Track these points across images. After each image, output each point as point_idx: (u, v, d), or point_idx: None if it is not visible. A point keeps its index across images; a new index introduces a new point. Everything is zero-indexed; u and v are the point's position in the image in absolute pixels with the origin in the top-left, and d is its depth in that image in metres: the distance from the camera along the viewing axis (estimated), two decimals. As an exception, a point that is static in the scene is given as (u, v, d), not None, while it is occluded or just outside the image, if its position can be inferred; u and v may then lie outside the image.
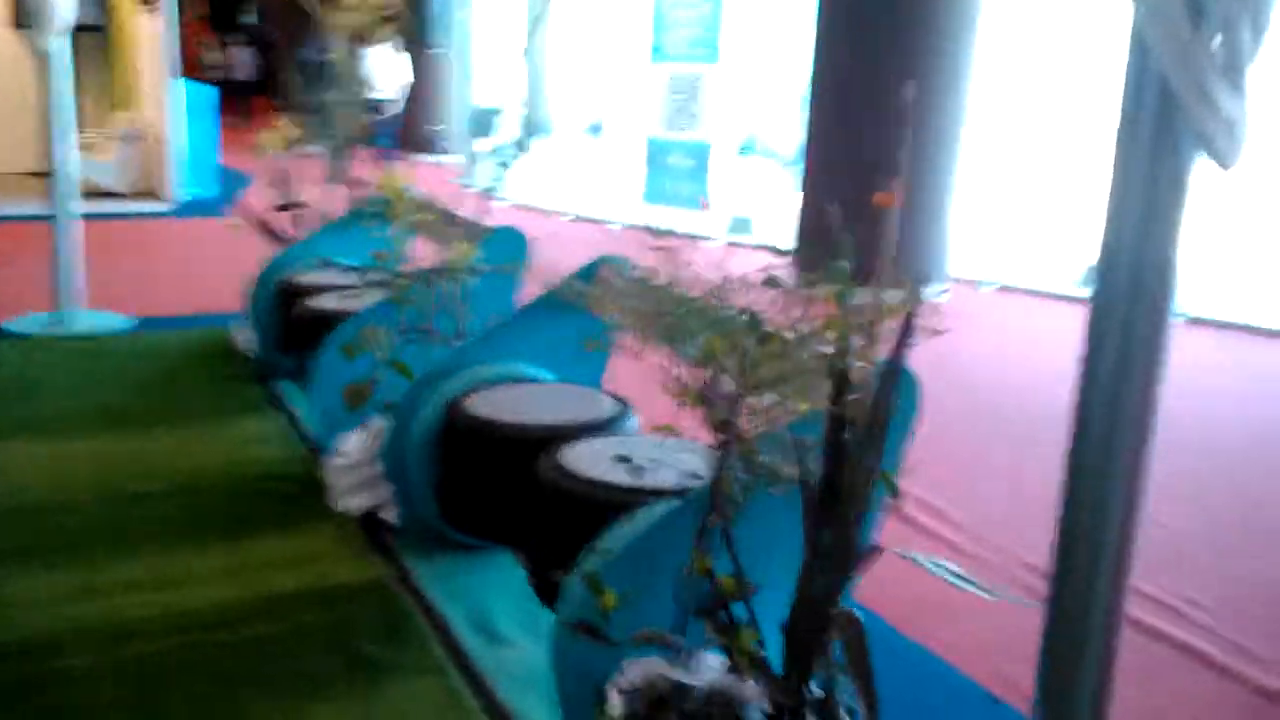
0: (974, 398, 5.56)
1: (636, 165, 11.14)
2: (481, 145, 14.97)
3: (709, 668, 2.03)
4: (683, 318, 1.97)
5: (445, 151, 17.38)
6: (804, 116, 8.48)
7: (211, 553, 3.45)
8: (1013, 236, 9.41)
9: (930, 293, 7.66)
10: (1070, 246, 8.85)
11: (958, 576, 1.53)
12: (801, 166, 8.27)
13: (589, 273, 3.69)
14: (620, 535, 2.37)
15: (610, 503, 2.57)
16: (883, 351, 1.89)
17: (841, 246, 2.02)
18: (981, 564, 3.59)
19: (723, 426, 2.06)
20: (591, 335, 3.75)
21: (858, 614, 1.59)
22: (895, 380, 1.86)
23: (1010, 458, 4.71)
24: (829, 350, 1.98)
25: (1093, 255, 1.68)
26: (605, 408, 3.22)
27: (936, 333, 1.87)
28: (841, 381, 1.98)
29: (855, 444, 2.00)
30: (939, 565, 1.56)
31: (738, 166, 10.53)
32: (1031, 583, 3.35)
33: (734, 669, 1.93)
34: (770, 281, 1.95)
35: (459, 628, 3.04)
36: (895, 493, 1.94)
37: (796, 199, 8.37)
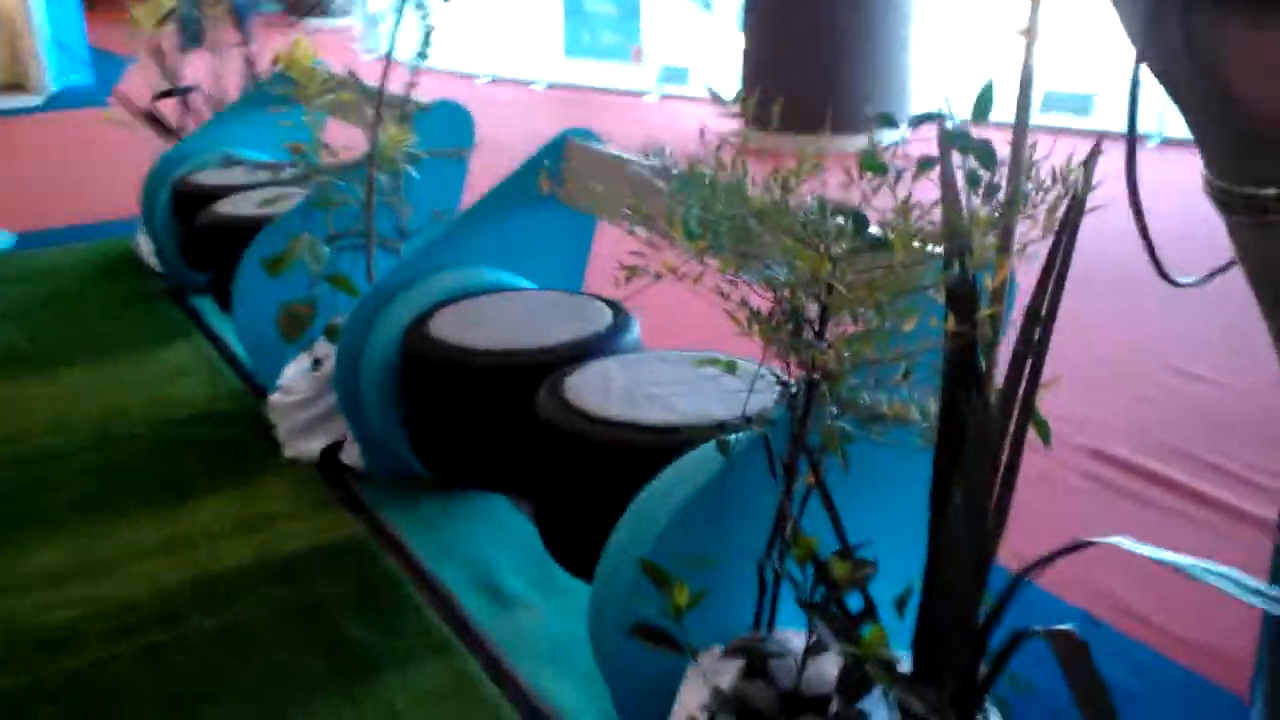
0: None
1: (553, 15, 10.28)
2: (377, 3, 13.88)
3: (820, 675, 1.60)
4: (753, 222, 1.46)
5: (337, 13, 16.11)
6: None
7: (144, 523, 2.91)
8: (970, 68, 8.88)
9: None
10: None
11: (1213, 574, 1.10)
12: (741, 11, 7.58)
13: (555, 151, 3.13)
14: (666, 494, 1.91)
15: (638, 446, 2.10)
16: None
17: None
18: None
19: (807, 358, 1.58)
20: (566, 228, 3.24)
21: (1075, 633, 1.17)
22: (1058, 287, 1.38)
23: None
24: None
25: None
26: (601, 319, 2.70)
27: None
28: (966, 292, 1.50)
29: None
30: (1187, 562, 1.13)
31: (665, 11, 9.72)
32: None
33: (855, 676, 1.50)
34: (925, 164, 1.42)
35: (459, 592, 2.58)
36: (1046, 437, 1.48)
37: (737, 42, 7.72)
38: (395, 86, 3.41)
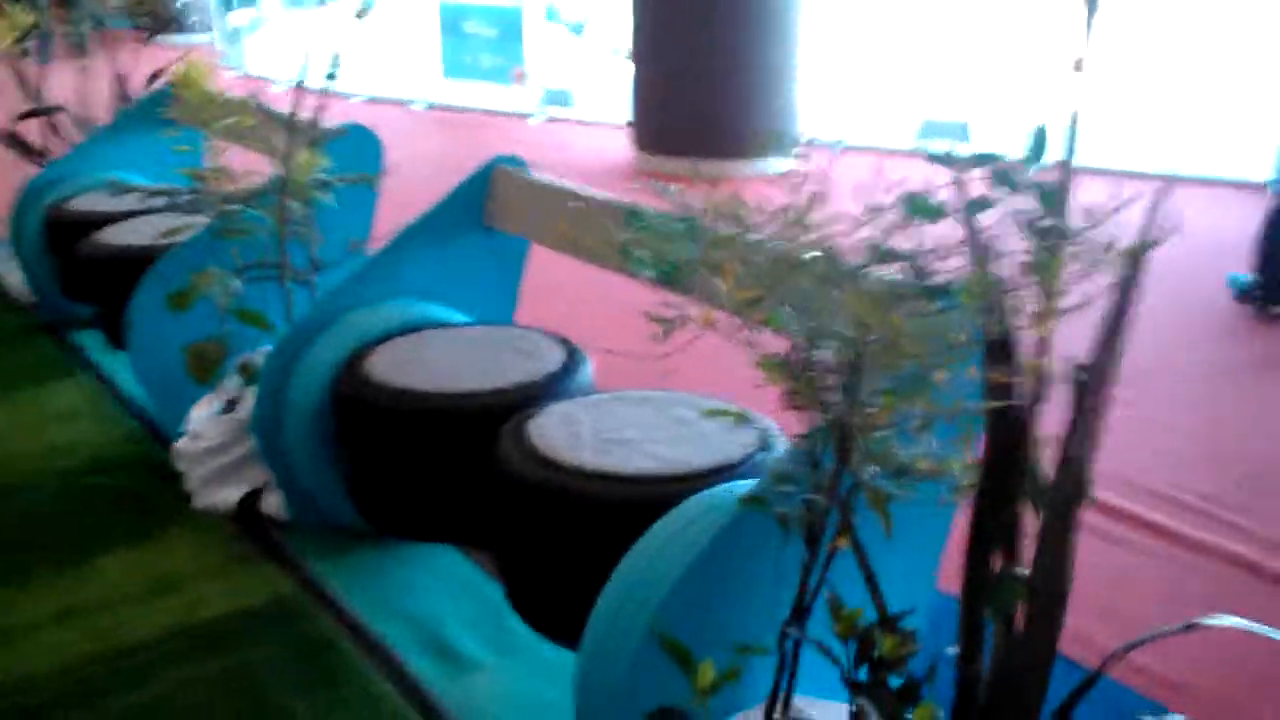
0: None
1: (430, 35, 10.02)
2: (237, 19, 13.38)
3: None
4: (802, 276, 1.35)
5: (195, 30, 15.43)
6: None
7: (39, 587, 2.63)
8: (852, 95, 9.02)
9: (786, 159, 7.19)
10: (906, 103, 8.54)
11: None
12: (631, 49, 7.51)
13: (483, 179, 2.98)
14: (660, 553, 1.78)
15: (621, 499, 1.96)
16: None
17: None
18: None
19: (833, 416, 1.48)
20: (496, 256, 3.09)
21: None
22: (1119, 335, 1.32)
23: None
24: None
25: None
26: (553, 357, 2.56)
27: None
28: (1004, 343, 1.43)
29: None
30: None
31: (548, 34, 9.59)
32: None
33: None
34: (976, 206, 1.33)
35: (406, 653, 2.38)
36: (1085, 493, 1.41)
37: (620, 66, 7.65)
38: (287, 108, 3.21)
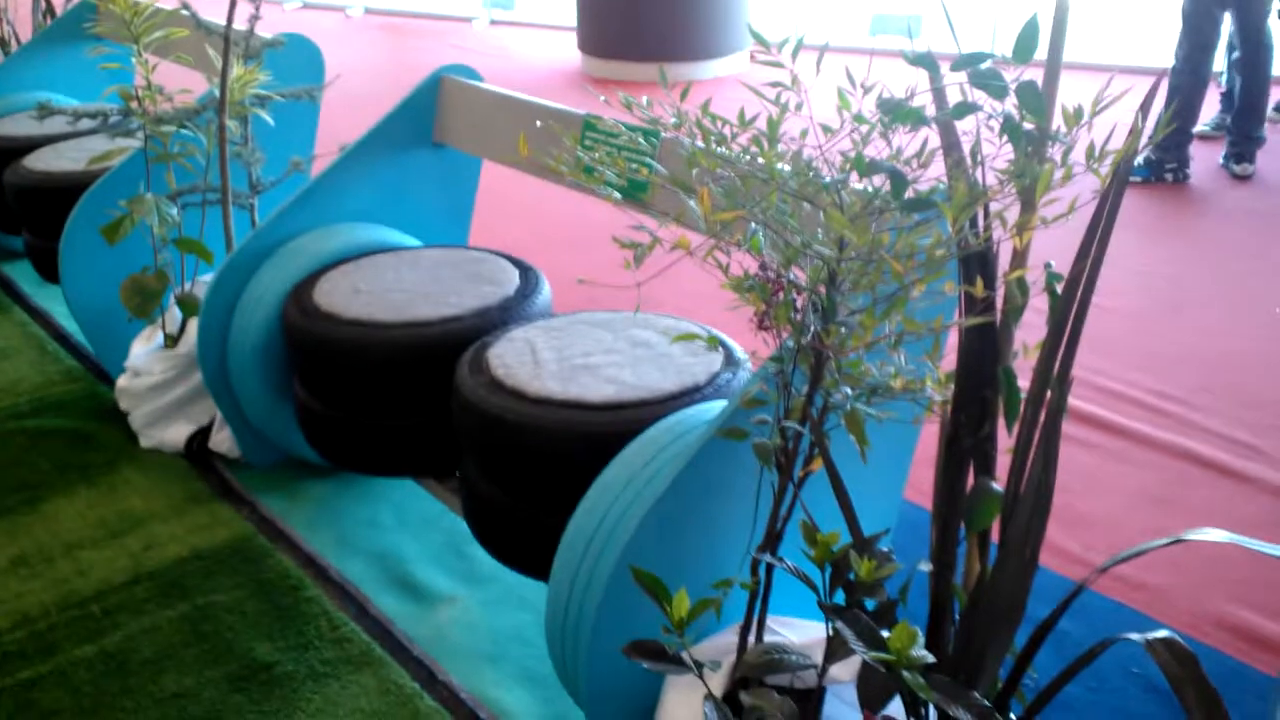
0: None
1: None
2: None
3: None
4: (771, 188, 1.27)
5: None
6: None
7: (-14, 536, 2.55)
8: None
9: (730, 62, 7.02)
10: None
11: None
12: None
13: (430, 91, 2.85)
14: (629, 482, 1.73)
15: (586, 427, 1.90)
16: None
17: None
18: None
19: (807, 337, 1.41)
20: (448, 174, 2.97)
21: (1180, 642, 1.06)
22: (1103, 245, 1.26)
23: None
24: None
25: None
26: (509, 280, 2.47)
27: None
28: (983, 255, 1.37)
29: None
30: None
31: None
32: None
33: (877, 682, 1.38)
34: (961, 109, 1.25)
35: (371, 590, 2.34)
36: (1062, 400, 1.37)
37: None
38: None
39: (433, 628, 2.23)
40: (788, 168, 1.28)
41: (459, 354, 2.17)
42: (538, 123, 2.03)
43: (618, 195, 1.43)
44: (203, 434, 2.82)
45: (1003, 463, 1.44)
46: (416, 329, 2.27)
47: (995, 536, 1.45)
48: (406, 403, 2.29)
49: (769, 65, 1.27)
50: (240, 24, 2.93)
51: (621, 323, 2.23)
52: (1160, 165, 4.73)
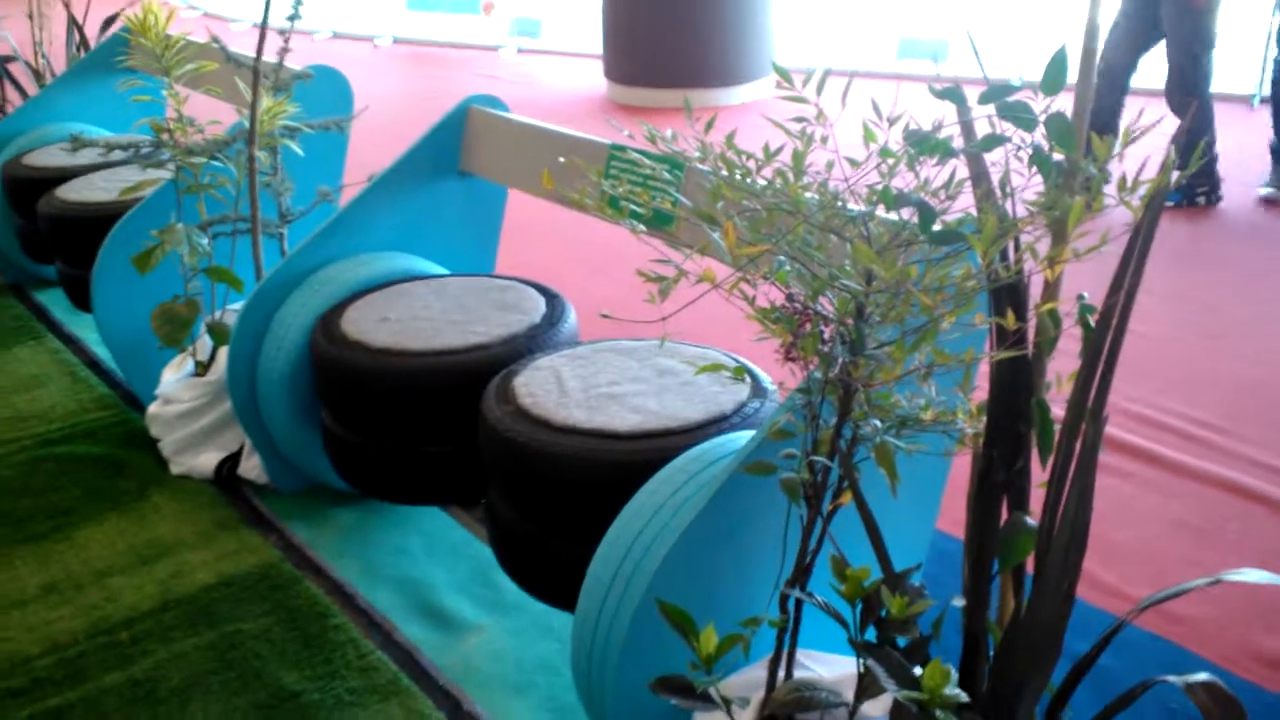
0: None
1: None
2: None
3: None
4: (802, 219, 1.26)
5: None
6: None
7: (20, 561, 2.56)
8: (829, 17, 8.83)
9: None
10: (883, 20, 8.37)
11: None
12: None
13: (457, 121, 2.87)
14: (656, 512, 1.72)
15: (612, 457, 1.90)
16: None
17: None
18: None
19: (836, 369, 1.40)
20: (475, 203, 2.98)
21: (1223, 686, 1.04)
22: (1137, 279, 1.24)
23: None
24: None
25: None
26: (535, 308, 2.47)
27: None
28: (1014, 287, 1.36)
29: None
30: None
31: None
32: None
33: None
34: (990, 141, 1.24)
35: (397, 618, 2.34)
36: (1097, 435, 1.35)
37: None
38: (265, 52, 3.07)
39: (459, 657, 2.22)
40: (814, 197, 1.28)
41: (485, 382, 2.17)
42: (561, 159, 2.04)
43: (642, 227, 1.43)
44: (232, 460, 2.83)
45: (1036, 496, 1.43)
46: (443, 357, 2.28)
47: (1030, 569, 1.43)
48: (433, 431, 2.30)
49: (794, 101, 1.27)
50: (270, 57, 2.97)
51: (648, 351, 2.23)
52: (1191, 189, 4.69)
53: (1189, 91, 4.58)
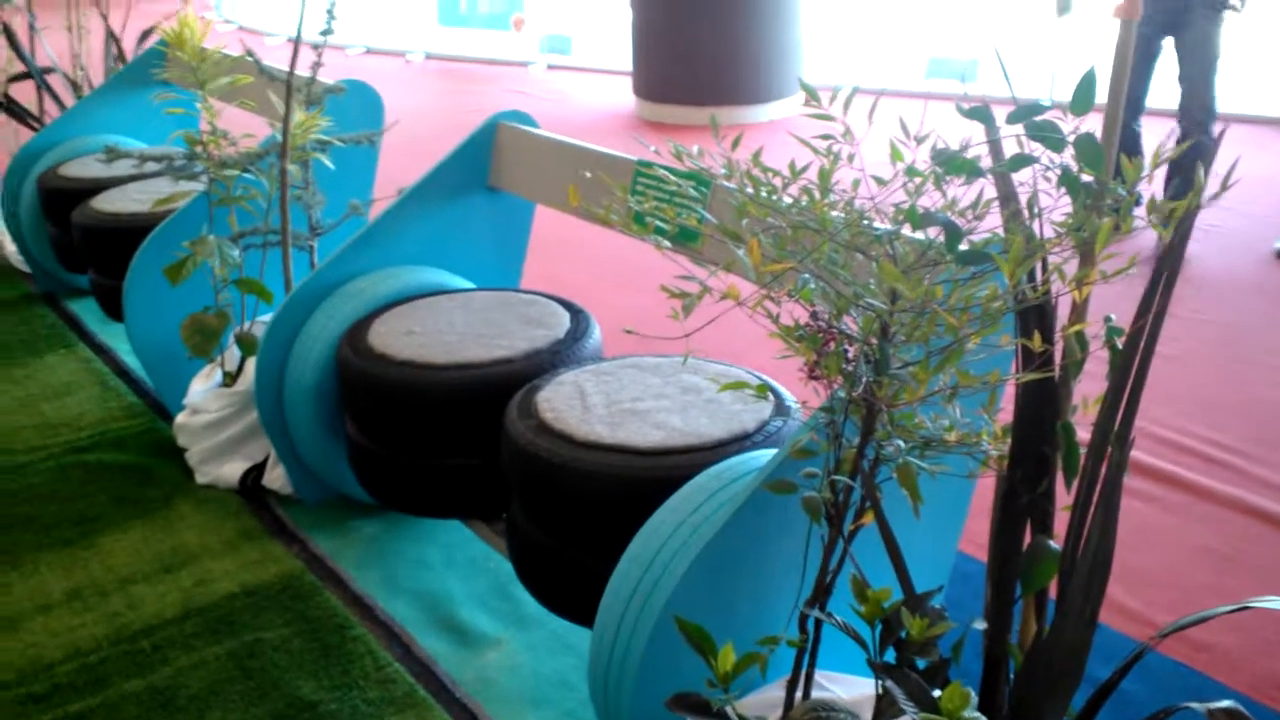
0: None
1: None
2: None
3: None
4: (828, 237, 1.26)
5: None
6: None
7: (45, 566, 2.58)
8: (858, 36, 8.84)
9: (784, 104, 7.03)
10: (912, 40, 8.37)
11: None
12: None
13: (486, 136, 2.88)
14: (675, 530, 1.72)
15: (634, 474, 1.90)
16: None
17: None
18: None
19: (859, 388, 1.40)
20: (502, 218, 3.00)
21: (1244, 713, 1.03)
22: (1165, 301, 1.23)
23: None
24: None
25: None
26: (559, 323, 2.48)
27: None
28: (1040, 309, 1.36)
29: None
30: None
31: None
32: None
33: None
34: (1018, 162, 1.24)
35: (416, 631, 2.34)
36: (1123, 459, 1.34)
37: (620, 7, 7.47)
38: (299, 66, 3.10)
39: (477, 670, 2.22)
40: (840, 215, 1.28)
41: (509, 396, 2.18)
42: (587, 174, 2.05)
43: (667, 244, 1.43)
44: (257, 471, 2.85)
45: (1061, 519, 1.41)
46: (467, 371, 2.28)
47: (1053, 593, 1.42)
48: (456, 444, 2.30)
49: (820, 119, 1.27)
50: (302, 71, 3.00)
51: (671, 368, 2.23)
52: None
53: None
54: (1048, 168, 1.26)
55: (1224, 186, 1.15)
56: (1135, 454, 2.92)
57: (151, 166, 3.55)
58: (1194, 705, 1.12)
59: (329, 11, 3.09)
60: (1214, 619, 1.28)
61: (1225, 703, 1.09)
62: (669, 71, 7.06)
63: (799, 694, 1.57)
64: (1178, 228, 1.21)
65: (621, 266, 4.34)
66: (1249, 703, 1.96)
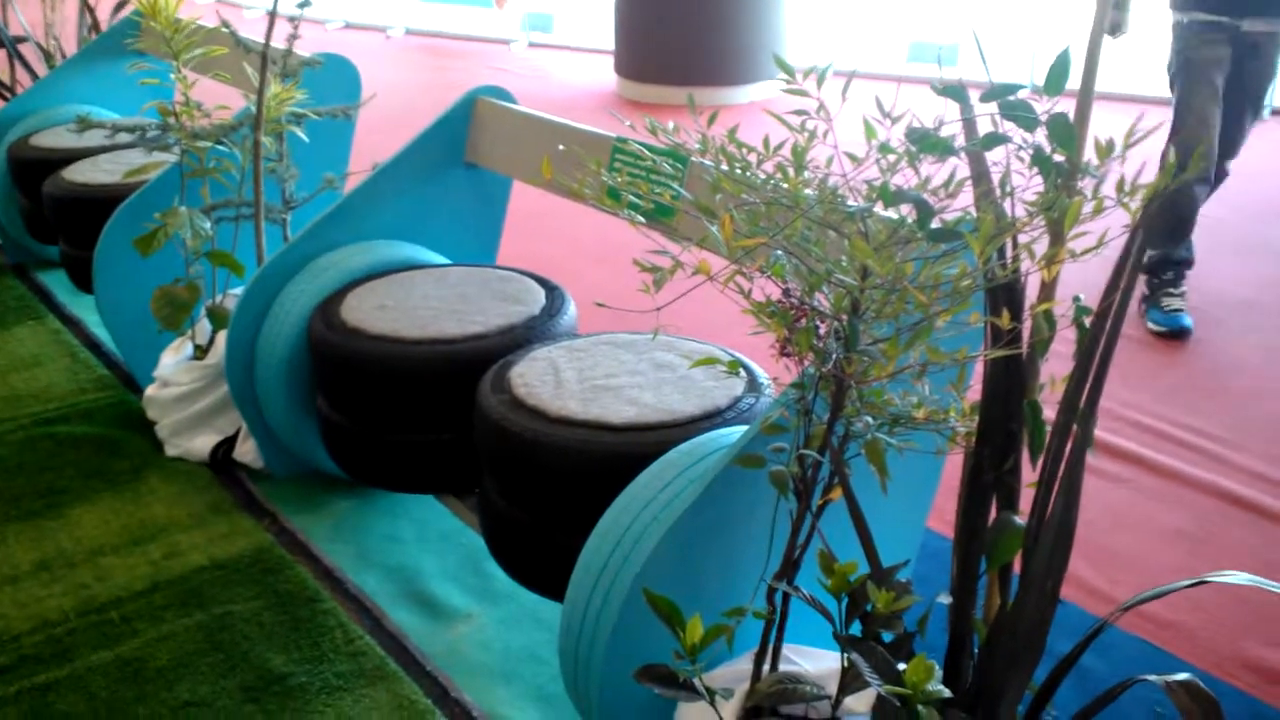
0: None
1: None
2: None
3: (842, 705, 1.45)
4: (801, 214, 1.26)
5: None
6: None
7: (14, 540, 2.56)
8: (841, 20, 8.83)
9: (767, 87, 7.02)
10: (894, 24, 8.37)
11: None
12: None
13: (464, 111, 2.87)
14: (646, 505, 1.72)
15: (605, 449, 1.90)
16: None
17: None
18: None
19: (829, 365, 1.40)
20: (478, 194, 2.98)
21: (1201, 685, 1.04)
22: (1131, 280, 1.24)
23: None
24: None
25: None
26: (534, 299, 2.48)
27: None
28: (1010, 286, 1.36)
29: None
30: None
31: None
32: None
33: (892, 714, 1.35)
34: (991, 140, 1.25)
35: (387, 604, 2.34)
36: (1087, 435, 1.35)
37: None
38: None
39: (447, 644, 2.22)
40: (813, 193, 1.28)
41: (482, 372, 2.17)
42: (560, 147, 2.04)
43: (641, 219, 1.43)
44: (227, 444, 2.84)
45: (1026, 496, 1.43)
46: (441, 346, 2.28)
47: (1018, 569, 1.43)
48: (428, 419, 2.30)
49: (795, 94, 1.27)
50: (279, 43, 2.97)
51: (645, 345, 2.23)
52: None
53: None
54: (1021, 147, 1.26)
55: (1192, 166, 1.15)
56: (1109, 437, 2.94)
57: (124, 137, 3.49)
58: (1151, 678, 1.13)
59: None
60: (1177, 596, 1.30)
61: (1182, 675, 1.10)
62: (651, 51, 7.04)
63: (766, 667, 1.58)
64: (1146, 209, 1.21)
65: (600, 240, 4.33)
66: (1210, 679, 1.99)
